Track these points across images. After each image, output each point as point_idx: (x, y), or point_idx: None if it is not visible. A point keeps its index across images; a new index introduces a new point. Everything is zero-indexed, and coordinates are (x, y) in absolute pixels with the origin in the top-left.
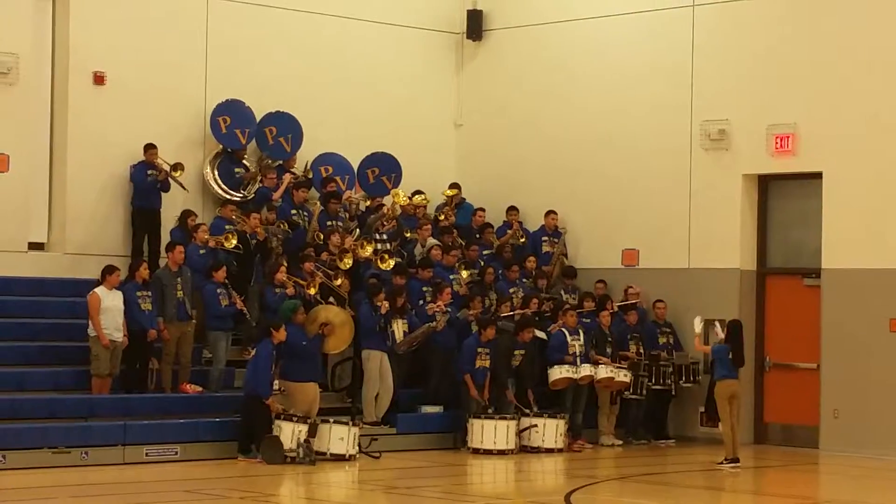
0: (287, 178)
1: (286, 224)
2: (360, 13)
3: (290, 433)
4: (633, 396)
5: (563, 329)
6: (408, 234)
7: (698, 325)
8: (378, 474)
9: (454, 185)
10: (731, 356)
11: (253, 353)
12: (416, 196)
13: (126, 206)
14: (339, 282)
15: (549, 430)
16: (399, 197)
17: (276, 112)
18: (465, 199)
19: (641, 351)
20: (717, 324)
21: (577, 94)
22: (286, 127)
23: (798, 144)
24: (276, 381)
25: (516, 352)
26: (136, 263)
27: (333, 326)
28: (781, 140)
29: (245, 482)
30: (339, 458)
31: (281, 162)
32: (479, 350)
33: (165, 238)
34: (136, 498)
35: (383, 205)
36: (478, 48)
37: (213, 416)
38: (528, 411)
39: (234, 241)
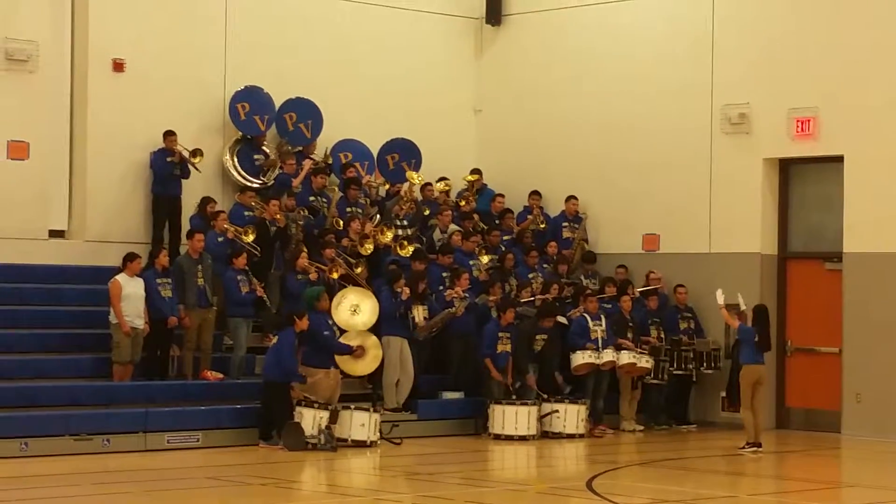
0: (307, 164)
1: (306, 210)
2: None
3: (311, 420)
4: (655, 382)
5: (585, 314)
6: (426, 212)
7: (720, 297)
8: (399, 460)
9: (475, 171)
10: (757, 340)
11: (274, 339)
12: (439, 182)
13: (146, 193)
14: (359, 269)
15: (571, 416)
16: (414, 178)
17: (296, 98)
18: (486, 184)
19: (662, 336)
20: (739, 295)
21: (597, 78)
22: (306, 113)
23: (819, 128)
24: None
25: (538, 336)
26: (157, 251)
27: (364, 353)
28: (802, 124)
29: (266, 469)
30: (361, 445)
31: (301, 148)
32: (500, 335)
33: (185, 225)
34: (158, 485)
35: (399, 192)
36: (497, 33)
37: (235, 402)
38: (546, 396)
39: (253, 237)
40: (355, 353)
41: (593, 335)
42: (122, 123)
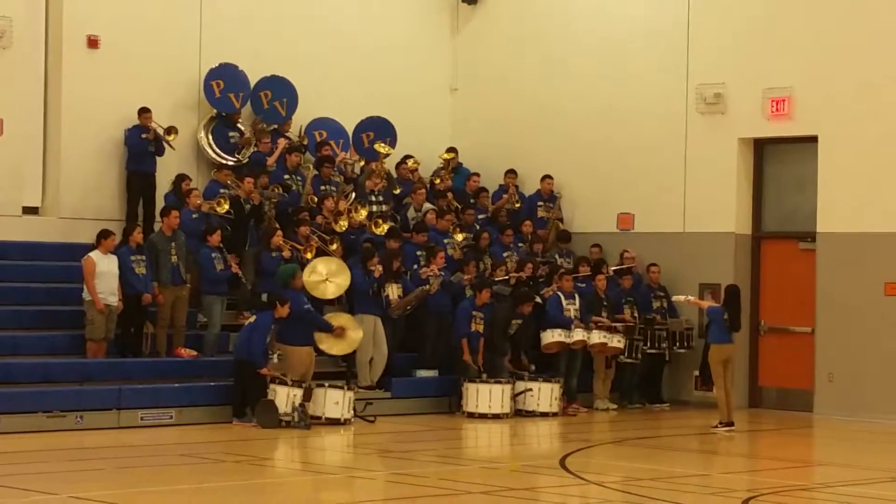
0: (282, 142)
1: (280, 188)
2: None
3: (284, 397)
4: (628, 360)
5: (560, 293)
6: (396, 191)
7: (682, 299)
8: (373, 438)
9: (451, 149)
10: (726, 319)
11: (251, 318)
12: (409, 160)
13: (121, 170)
14: (334, 246)
15: (544, 394)
16: (381, 148)
17: (271, 76)
18: (461, 163)
19: (636, 315)
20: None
21: (573, 58)
22: (281, 91)
23: (794, 108)
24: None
25: (514, 321)
26: (131, 228)
27: (344, 335)
28: (777, 104)
29: (240, 446)
30: (334, 423)
31: (276, 126)
32: (474, 314)
33: (160, 202)
34: (131, 462)
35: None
36: (473, 12)
37: (208, 380)
38: (524, 375)
39: (227, 207)
40: (335, 332)
41: (566, 314)
42: (96, 100)
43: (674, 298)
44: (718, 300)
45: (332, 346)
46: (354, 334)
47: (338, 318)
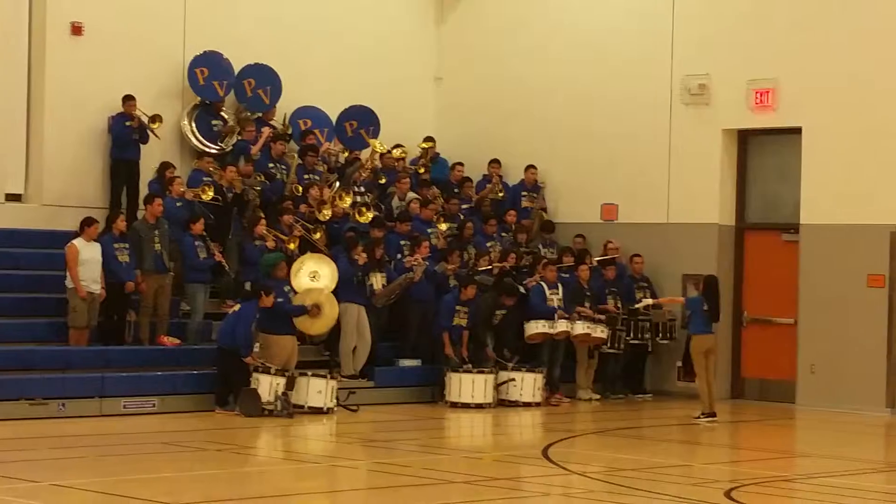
0: (266, 132)
1: (262, 176)
2: None
3: (267, 386)
4: (611, 351)
5: (542, 283)
6: (381, 181)
7: (640, 306)
8: (356, 427)
9: (429, 139)
10: (706, 310)
11: (235, 307)
12: (396, 149)
13: (104, 157)
14: (318, 235)
15: (527, 385)
16: (377, 146)
17: (255, 64)
18: (438, 152)
19: (619, 305)
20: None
21: (557, 48)
22: (265, 79)
23: (778, 100)
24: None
25: (497, 312)
26: (114, 215)
27: (321, 312)
28: (761, 95)
29: (222, 434)
30: (317, 411)
31: (260, 114)
32: (458, 308)
33: (143, 190)
34: (114, 450)
35: (359, 159)
36: (458, 1)
37: (191, 368)
38: (508, 364)
39: (211, 194)
40: (310, 312)
41: (550, 304)
42: (80, 87)
43: (637, 306)
44: (699, 289)
45: (314, 326)
46: (331, 310)
47: (309, 295)
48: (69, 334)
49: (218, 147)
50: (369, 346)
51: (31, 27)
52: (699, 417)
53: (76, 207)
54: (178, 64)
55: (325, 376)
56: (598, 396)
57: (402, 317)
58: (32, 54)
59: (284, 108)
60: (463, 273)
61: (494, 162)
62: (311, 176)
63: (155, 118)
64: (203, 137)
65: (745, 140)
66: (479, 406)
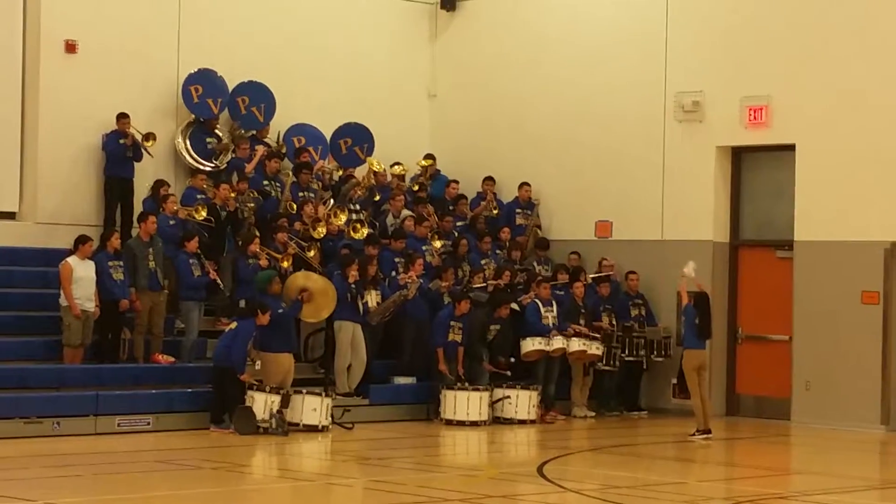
0: (261, 150)
1: (256, 193)
2: None
3: (262, 404)
4: (606, 368)
5: (537, 300)
6: (376, 199)
7: (691, 270)
8: (351, 445)
9: (429, 156)
10: (697, 324)
11: (231, 325)
12: (395, 166)
13: (98, 175)
14: (312, 253)
15: (522, 402)
16: (374, 165)
17: (249, 81)
18: (439, 170)
19: (614, 322)
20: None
21: (551, 65)
22: (259, 97)
23: (771, 116)
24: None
25: (492, 327)
26: (108, 233)
27: (311, 294)
28: (755, 112)
29: (217, 453)
30: (312, 429)
31: (254, 132)
32: (453, 324)
33: (138, 208)
34: (108, 468)
35: (353, 176)
36: (451, 18)
37: (186, 386)
38: (506, 374)
39: (204, 213)
40: (303, 299)
41: (545, 321)
42: (74, 105)
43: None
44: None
45: (313, 312)
46: (322, 284)
47: (306, 278)
48: (63, 352)
49: (212, 165)
50: (364, 363)
51: (26, 45)
52: (694, 435)
53: (70, 225)
54: (173, 81)
55: (320, 394)
56: (593, 413)
57: (397, 334)
58: (26, 72)
59: (278, 125)
60: (457, 290)
61: (488, 179)
62: (305, 193)
63: (149, 136)
64: (197, 155)
65: (739, 157)
66: (473, 423)
